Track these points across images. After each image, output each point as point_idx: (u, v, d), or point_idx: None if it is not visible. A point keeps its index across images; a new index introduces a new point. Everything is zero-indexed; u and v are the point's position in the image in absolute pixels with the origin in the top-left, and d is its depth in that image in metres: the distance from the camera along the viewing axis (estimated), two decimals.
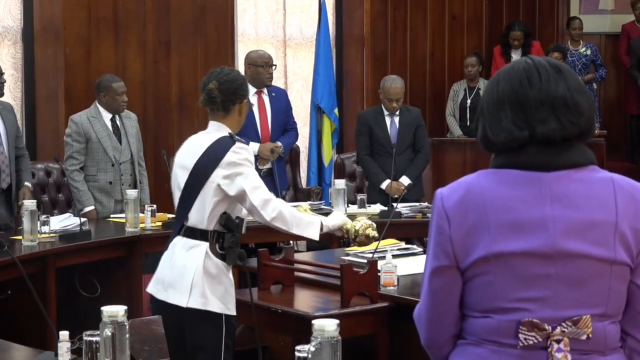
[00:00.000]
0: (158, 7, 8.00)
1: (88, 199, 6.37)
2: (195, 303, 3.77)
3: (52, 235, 5.51)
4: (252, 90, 6.70)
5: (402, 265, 4.48)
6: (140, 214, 5.97)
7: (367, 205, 6.65)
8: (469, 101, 9.26)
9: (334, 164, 8.05)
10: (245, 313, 3.97)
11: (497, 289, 2.13)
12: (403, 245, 5.06)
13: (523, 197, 2.13)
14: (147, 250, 5.97)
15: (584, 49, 10.08)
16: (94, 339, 2.74)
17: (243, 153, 3.84)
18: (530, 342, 2.10)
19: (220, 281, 3.81)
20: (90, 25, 7.67)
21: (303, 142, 8.76)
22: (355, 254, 4.83)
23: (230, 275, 3.86)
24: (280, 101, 6.99)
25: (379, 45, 9.43)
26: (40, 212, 5.66)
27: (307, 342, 2.39)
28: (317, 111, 8.89)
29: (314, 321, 2.38)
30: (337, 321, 2.37)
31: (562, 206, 2.12)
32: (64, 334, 3.05)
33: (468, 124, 9.19)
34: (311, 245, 6.81)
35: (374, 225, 4.11)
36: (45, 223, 5.50)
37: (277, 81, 8.45)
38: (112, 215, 6.41)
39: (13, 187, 6.02)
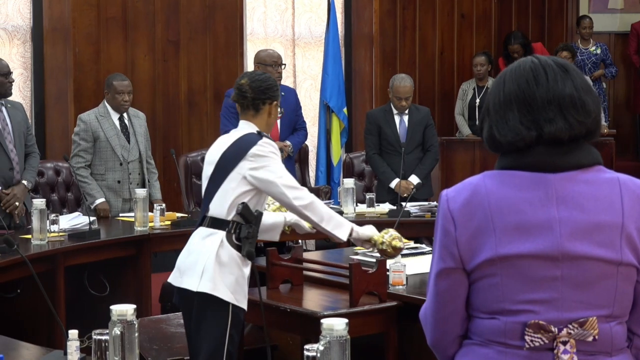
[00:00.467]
0: (167, 7, 8.01)
1: (98, 192, 6.38)
2: (204, 287, 3.80)
3: (61, 234, 5.52)
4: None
5: (410, 264, 4.48)
6: (150, 213, 5.97)
7: (375, 204, 6.65)
8: (477, 100, 9.25)
9: (343, 163, 8.05)
10: (254, 312, 3.97)
11: (503, 291, 2.12)
12: (412, 244, 5.06)
13: (529, 199, 2.12)
14: (156, 249, 5.98)
15: (593, 48, 10.06)
16: (103, 337, 2.74)
17: (269, 146, 3.92)
18: (537, 344, 2.10)
19: (231, 271, 3.83)
20: (100, 24, 7.68)
21: (312, 141, 8.77)
22: (364, 253, 4.83)
23: (246, 270, 3.86)
24: (290, 100, 6.99)
25: (388, 44, 9.42)
26: (49, 211, 5.67)
27: (316, 341, 2.39)
28: (326, 110, 8.89)
29: (322, 320, 2.38)
30: (346, 320, 2.37)
31: (568, 208, 2.11)
32: (73, 333, 3.05)
33: (477, 123, 9.17)
34: (320, 244, 6.82)
35: (401, 236, 4.11)
36: (54, 222, 5.51)
37: (286, 80, 8.46)
38: (120, 214, 6.42)
39: None
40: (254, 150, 3.88)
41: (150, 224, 5.95)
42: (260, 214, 3.85)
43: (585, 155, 2.15)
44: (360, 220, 6.22)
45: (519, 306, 2.11)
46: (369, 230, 4.10)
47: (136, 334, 2.67)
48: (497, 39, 10.17)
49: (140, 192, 5.88)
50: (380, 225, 6.23)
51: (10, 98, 6.01)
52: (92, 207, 6.31)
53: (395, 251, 4.09)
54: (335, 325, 2.35)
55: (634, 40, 10.29)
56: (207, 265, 3.81)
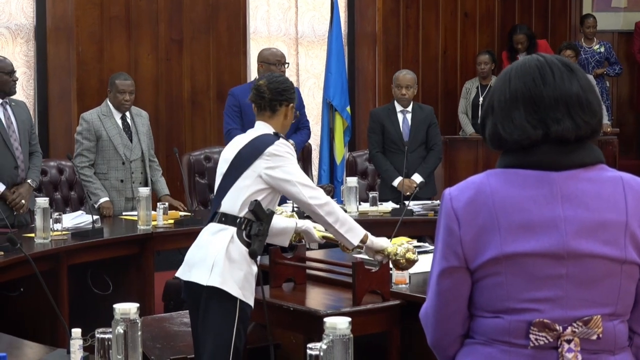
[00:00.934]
0: (170, 5, 8.01)
1: (102, 191, 6.38)
2: (214, 281, 3.80)
3: (64, 232, 5.52)
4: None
5: None
6: (152, 212, 5.97)
7: (378, 203, 6.64)
8: (481, 99, 9.24)
9: (346, 161, 8.05)
10: (257, 311, 3.96)
11: (507, 290, 2.12)
12: (415, 243, 5.05)
13: (534, 197, 2.12)
14: (159, 248, 5.98)
15: (597, 47, 10.05)
16: (106, 336, 2.74)
17: (285, 147, 3.95)
18: (541, 343, 2.10)
19: (240, 267, 3.83)
20: (103, 23, 7.69)
21: (315, 140, 8.77)
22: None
23: (254, 267, 3.86)
24: None
25: (391, 43, 9.42)
26: (52, 209, 5.67)
27: (319, 339, 2.39)
28: (329, 109, 8.89)
29: (325, 319, 2.38)
30: (349, 319, 2.37)
31: (572, 206, 2.11)
32: (76, 332, 3.05)
33: (479, 121, 9.16)
34: (323, 243, 6.80)
35: (414, 249, 4.11)
36: (57, 221, 5.51)
37: (290, 79, 8.45)
38: (124, 213, 6.42)
39: None
40: (270, 149, 3.91)
41: (154, 223, 5.95)
42: (271, 213, 3.85)
43: (589, 154, 2.15)
44: (363, 219, 6.23)
45: (524, 305, 2.11)
46: (384, 242, 4.10)
47: (139, 333, 2.67)
48: (500, 38, 10.16)
49: (143, 191, 5.88)
50: (383, 224, 6.27)
51: (13, 97, 6.01)
52: (96, 205, 6.31)
53: (409, 264, 4.09)
54: (338, 324, 2.35)
55: (638, 39, 10.27)
56: (217, 260, 3.81)
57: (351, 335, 2.37)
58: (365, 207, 6.58)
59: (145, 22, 7.90)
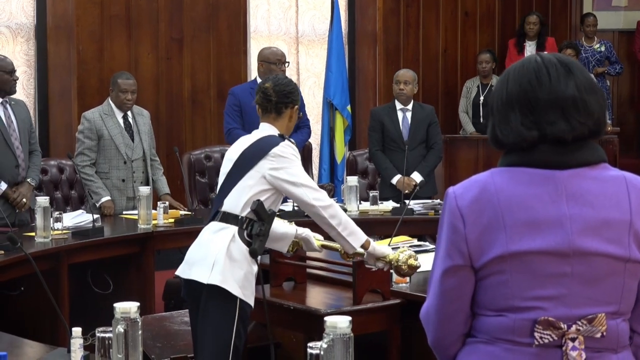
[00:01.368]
0: (171, 4, 8.01)
1: (104, 190, 6.38)
2: (214, 279, 3.80)
3: (64, 232, 5.52)
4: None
5: None
6: (153, 211, 5.97)
7: (379, 201, 6.64)
8: (481, 98, 9.24)
9: (347, 160, 8.05)
10: (258, 310, 3.96)
11: (512, 288, 2.12)
12: (415, 242, 5.05)
13: (539, 195, 2.12)
14: (160, 247, 5.99)
15: (598, 46, 10.04)
16: (107, 335, 2.74)
17: (290, 149, 3.96)
18: (546, 341, 2.10)
19: (241, 266, 3.83)
20: (103, 22, 7.69)
21: (315, 139, 8.77)
22: None
23: (254, 267, 3.86)
24: None
25: (392, 42, 9.42)
26: (53, 208, 5.67)
27: (320, 338, 2.39)
28: (329, 108, 8.89)
29: (326, 318, 2.38)
30: (350, 318, 2.37)
31: (577, 204, 2.11)
32: (76, 331, 3.05)
33: (481, 120, 9.17)
34: (324, 237, 6.79)
35: (416, 255, 4.10)
36: (58, 220, 5.51)
37: (290, 78, 8.44)
38: (124, 212, 6.42)
39: None
40: (275, 150, 3.91)
41: (154, 222, 5.95)
42: (273, 213, 3.85)
43: (592, 153, 2.15)
44: (364, 218, 6.23)
45: (528, 303, 2.11)
46: (385, 249, 4.10)
47: (140, 332, 2.67)
48: (501, 37, 10.17)
49: (144, 190, 5.87)
50: (384, 223, 6.27)
51: (13, 96, 6.01)
52: (98, 205, 6.31)
53: (411, 270, 4.07)
54: (339, 323, 2.35)
55: None
56: (218, 258, 3.81)
57: (351, 335, 2.37)
58: (366, 206, 6.58)
59: (145, 21, 7.90)
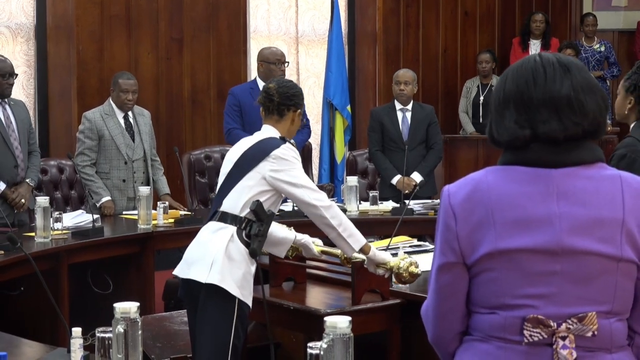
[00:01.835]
0: (171, 4, 8.01)
1: (104, 190, 6.37)
2: (213, 279, 3.80)
3: (64, 232, 5.52)
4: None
5: None
6: (153, 211, 5.97)
7: (379, 202, 6.65)
8: (481, 98, 9.25)
9: (346, 160, 8.05)
10: (257, 310, 3.97)
11: (502, 286, 2.12)
12: (415, 242, 5.06)
13: (529, 194, 2.12)
14: (159, 247, 5.98)
15: (597, 46, 10.04)
16: (107, 335, 2.74)
17: (291, 151, 3.97)
18: (536, 339, 2.10)
19: (239, 266, 3.83)
20: (103, 22, 7.69)
21: (315, 139, 8.77)
22: None
23: (253, 267, 3.87)
24: None
25: (392, 42, 9.42)
26: (53, 208, 5.67)
27: (319, 338, 2.39)
28: (329, 108, 8.89)
29: (326, 318, 2.38)
30: (349, 318, 2.37)
31: (569, 203, 2.11)
32: (76, 331, 3.05)
33: (481, 120, 9.17)
34: (324, 242, 6.80)
35: (417, 262, 4.09)
36: (58, 220, 5.51)
37: (290, 78, 8.45)
38: (124, 212, 6.42)
39: None
40: (276, 152, 3.92)
41: (154, 222, 5.95)
42: (272, 214, 3.86)
43: (587, 152, 2.15)
44: (364, 218, 6.23)
45: (518, 301, 2.11)
46: (386, 255, 4.09)
47: (139, 332, 2.67)
48: (501, 37, 10.17)
49: (144, 190, 5.87)
50: (383, 223, 6.27)
51: (13, 96, 6.00)
52: (98, 205, 6.30)
53: (413, 277, 4.06)
54: (339, 323, 2.35)
55: None
56: (217, 258, 3.82)
57: (351, 334, 2.37)
58: (366, 206, 6.58)
59: (145, 21, 7.90)
